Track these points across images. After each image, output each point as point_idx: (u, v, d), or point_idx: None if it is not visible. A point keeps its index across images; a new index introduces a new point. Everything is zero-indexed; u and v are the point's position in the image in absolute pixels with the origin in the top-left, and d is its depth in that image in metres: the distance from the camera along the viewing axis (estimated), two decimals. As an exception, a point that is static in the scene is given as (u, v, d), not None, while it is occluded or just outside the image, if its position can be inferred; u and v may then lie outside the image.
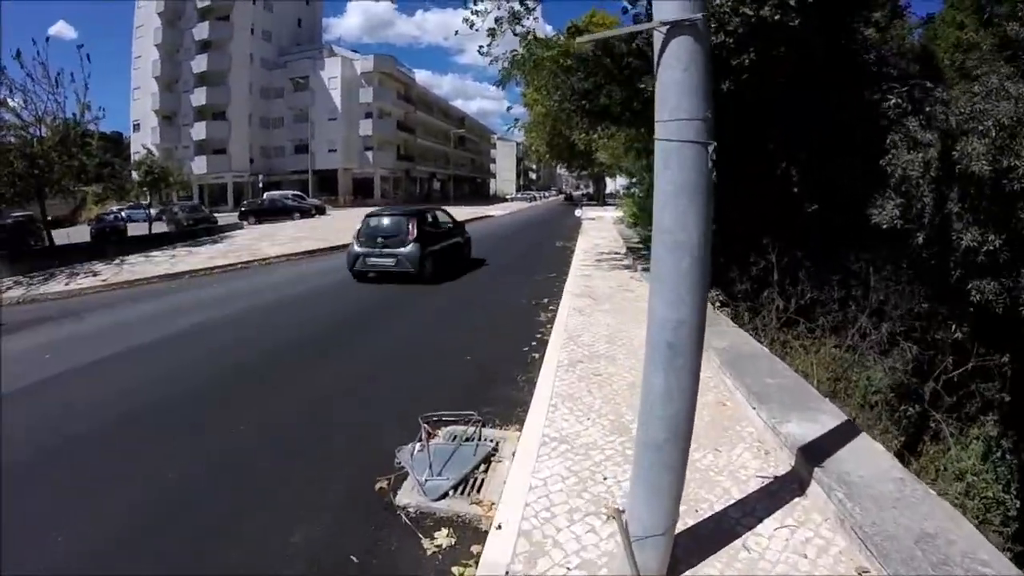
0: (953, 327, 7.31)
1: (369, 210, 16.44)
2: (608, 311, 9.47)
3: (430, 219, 15.12)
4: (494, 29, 13.27)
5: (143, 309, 11.74)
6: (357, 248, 14.26)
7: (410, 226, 13.75)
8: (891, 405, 7.70)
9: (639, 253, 16.44)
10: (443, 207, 18.61)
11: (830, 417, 4.78)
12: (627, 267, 14.53)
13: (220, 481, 4.65)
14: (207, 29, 65.46)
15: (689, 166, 2.49)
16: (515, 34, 12.70)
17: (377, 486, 4.46)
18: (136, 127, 71.56)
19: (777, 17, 7.93)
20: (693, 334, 2.68)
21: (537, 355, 7.55)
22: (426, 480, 4.44)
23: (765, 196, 9.78)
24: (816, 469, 3.82)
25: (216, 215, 39.47)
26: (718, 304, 9.80)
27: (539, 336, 8.54)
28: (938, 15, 17.17)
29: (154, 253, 21.36)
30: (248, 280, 15.41)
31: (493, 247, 21.96)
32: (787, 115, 9.46)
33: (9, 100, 18.57)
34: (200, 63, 65.75)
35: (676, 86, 2.49)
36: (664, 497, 2.83)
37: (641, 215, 23.64)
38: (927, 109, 7.71)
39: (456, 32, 12.16)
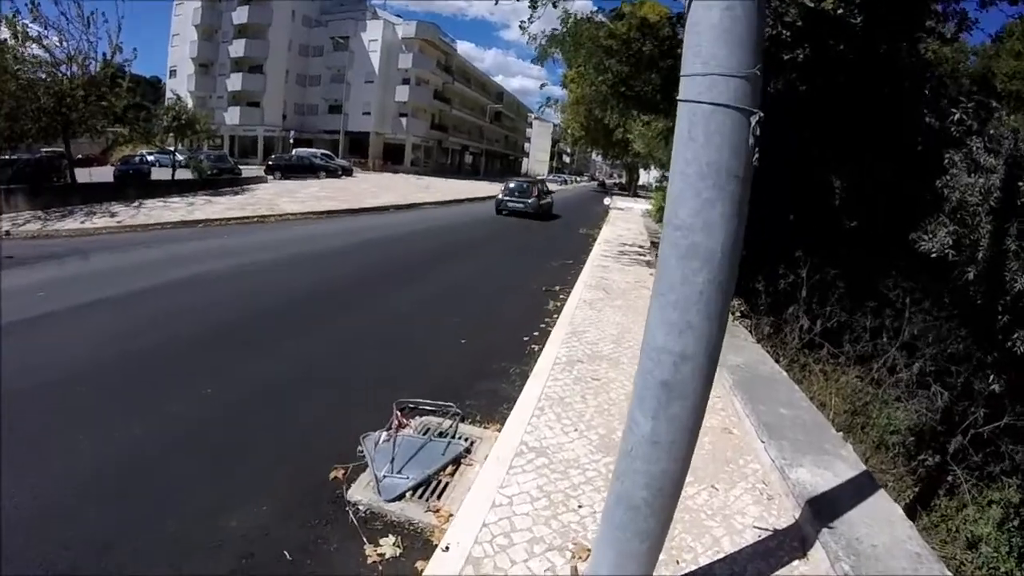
0: (991, 377, 6.64)
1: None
2: (620, 308, 8.92)
3: (540, 187, 27.27)
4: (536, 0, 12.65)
5: (147, 255, 11.42)
6: (502, 196, 25.61)
7: (533, 189, 26.10)
8: (908, 450, 7.12)
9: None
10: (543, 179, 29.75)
11: (847, 466, 4.22)
12: (649, 263, 13.92)
13: (177, 444, 4.27)
14: (252, -19, 64.68)
15: (721, 140, 1.84)
16: (554, 6, 12.05)
17: (332, 475, 4.02)
18: (172, 73, 71.31)
19: (840, 11, 7.24)
20: (697, 374, 2.08)
21: (537, 347, 7.04)
22: (384, 476, 3.98)
23: (801, 205, 9.13)
24: (824, 529, 3.27)
25: (243, 167, 39.23)
26: (738, 315, 9.21)
27: (543, 327, 8.01)
28: (996, 43, 16.26)
29: (174, 199, 21.27)
30: (258, 236, 15.00)
31: (512, 227, 21.42)
32: (836, 121, 8.77)
33: (43, 38, 18.40)
34: (241, 15, 64.98)
35: (712, 28, 1.83)
36: (635, 565, 2.27)
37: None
38: (991, 131, 7.00)
39: (496, 2, 11.49)
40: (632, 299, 9.66)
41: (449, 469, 4.18)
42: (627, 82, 12.25)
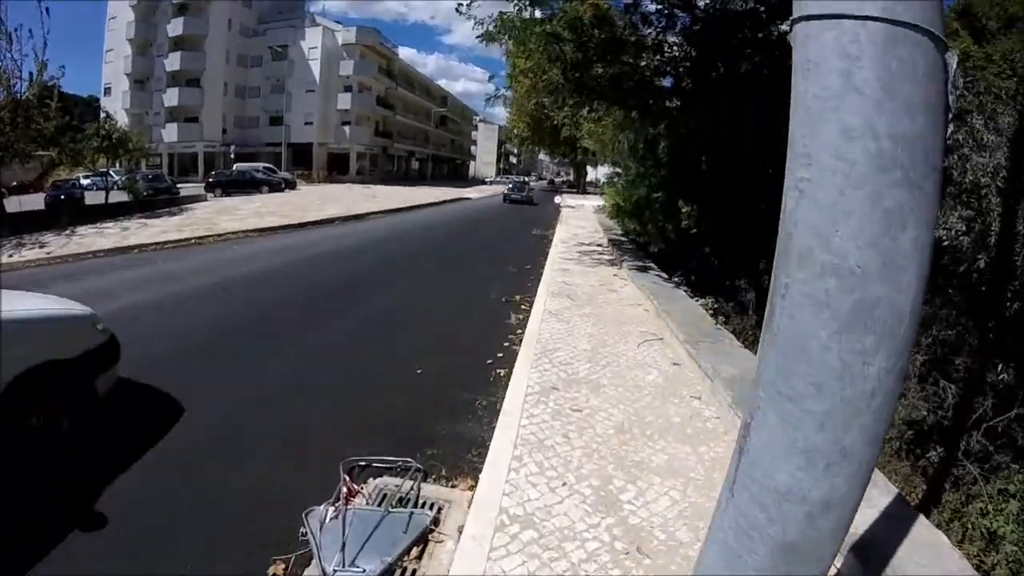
0: (1000, 367, 6.08)
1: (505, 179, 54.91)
2: (589, 316, 8.16)
3: (528, 186, 46.44)
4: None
5: (69, 290, 10.22)
6: (507, 192, 43.04)
7: (527, 185, 47.21)
8: (909, 443, 6.55)
9: (622, 247, 15.18)
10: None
11: (878, 492, 3.53)
12: (611, 262, 13.23)
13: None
14: (184, -9, 62.68)
15: (914, 92, 1.03)
16: None
17: (271, 570, 3.15)
18: (107, 91, 68.58)
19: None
20: (839, 530, 1.24)
21: (503, 371, 6.21)
22: (334, 572, 3.12)
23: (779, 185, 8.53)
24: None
25: (183, 185, 38.34)
26: (711, 312, 8.58)
27: (507, 345, 7.20)
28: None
29: (108, 224, 19.91)
30: (194, 259, 13.72)
31: (463, 234, 20.62)
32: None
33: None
34: (176, 27, 62.69)
35: None
36: None
37: (625, 205, 22.43)
38: (990, 107, 6.43)
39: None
40: (600, 305, 8.91)
41: (415, 551, 3.34)
42: (579, 69, 11.60)
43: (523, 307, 9.13)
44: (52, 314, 4.59)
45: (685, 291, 9.71)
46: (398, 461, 4.29)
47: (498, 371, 6.27)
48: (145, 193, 28.48)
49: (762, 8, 8.47)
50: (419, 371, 6.25)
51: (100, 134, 24.59)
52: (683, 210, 12.86)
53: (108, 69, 68.66)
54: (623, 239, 17.17)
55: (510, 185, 47.17)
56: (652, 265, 11.96)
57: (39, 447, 4.12)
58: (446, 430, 4.91)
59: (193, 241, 16.85)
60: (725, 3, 9.81)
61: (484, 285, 10.87)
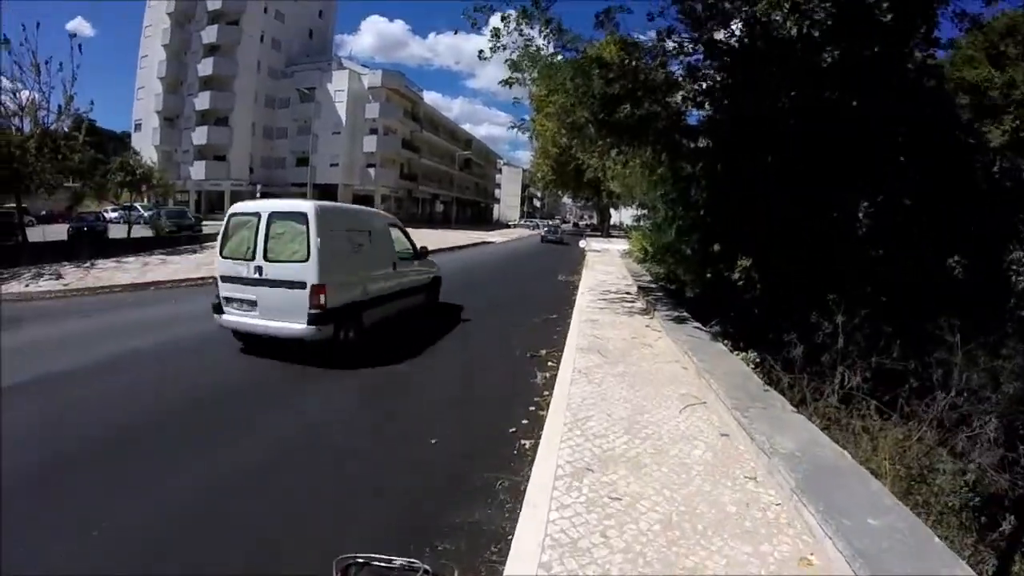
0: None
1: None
2: (623, 376, 7.42)
3: (561, 228, 62.25)
4: (498, 29, 11.59)
5: (80, 326, 9.92)
6: (544, 234, 54.10)
7: (560, 228, 60.93)
8: (974, 510, 5.71)
9: (653, 294, 14.44)
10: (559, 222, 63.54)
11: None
12: (642, 311, 12.50)
13: None
14: (216, 33, 64.48)
15: None
16: (521, 33, 11.08)
17: None
18: (138, 127, 70.85)
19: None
20: None
21: (527, 443, 5.50)
22: None
23: (832, 237, 7.86)
24: None
25: (210, 222, 37.68)
26: (752, 367, 7.81)
27: (532, 410, 6.49)
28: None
29: (129, 259, 19.88)
30: (207, 300, 13.24)
31: (487, 278, 20.04)
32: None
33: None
34: (206, 66, 64.60)
35: None
36: None
37: (653, 250, 21.77)
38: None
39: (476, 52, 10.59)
40: (635, 362, 8.17)
41: None
42: (609, 106, 11.12)
43: (550, 364, 8.43)
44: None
45: (725, 344, 8.95)
46: (401, 561, 3.57)
47: (523, 442, 5.55)
48: (168, 229, 28.57)
49: (816, 34, 7.88)
50: (434, 441, 5.55)
51: (125, 169, 25.20)
52: (716, 251, 12.17)
53: (139, 106, 70.60)
54: (652, 286, 16.45)
55: (546, 229, 61.07)
56: (686, 315, 11.21)
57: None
58: (461, 518, 4.19)
59: (211, 281, 16.30)
60: (767, 29, 9.22)
61: (507, 339, 10.20)
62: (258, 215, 8.23)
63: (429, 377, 7.83)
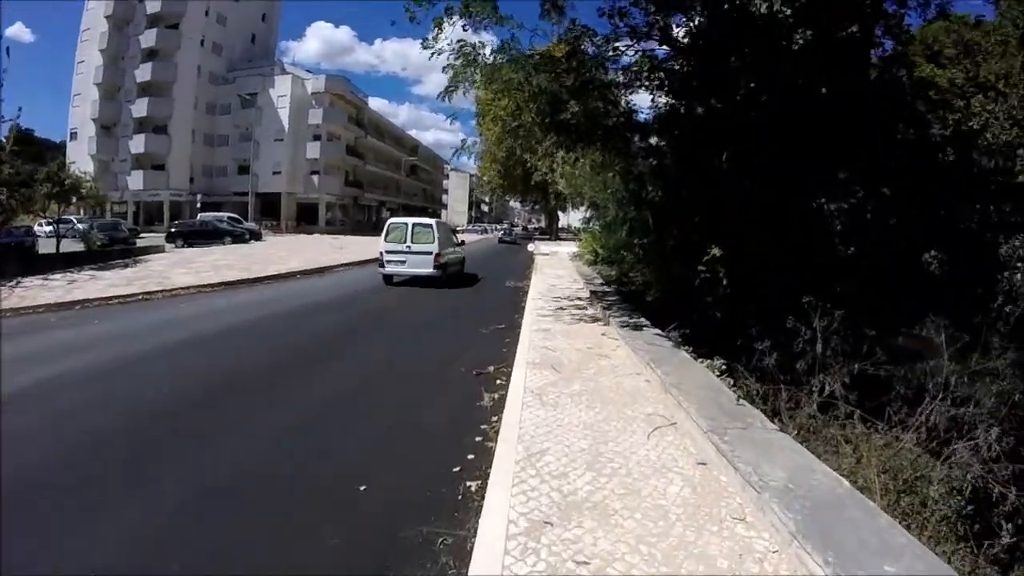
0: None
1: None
2: (580, 395, 6.60)
3: (515, 231, 72.11)
4: (441, 19, 10.67)
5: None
6: (501, 236, 61.46)
7: (514, 231, 70.61)
8: (967, 519, 5.13)
9: (606, 298, 13.74)
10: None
11: None
12: (595, 319, 11.75)
13: None
14: (154, 36, 62.18)
15: None
16: (464, 29, 10.34)
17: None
18: (73, 135, 68.03)
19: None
20: None
21: (474, 484, 4.64)
22: None
23: (811, 228, 7.24)
24: None
25: (148, 234, 38.85)
26: (718, 373, 7.14)
27: (479, 440, 5.61)
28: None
29: (56, 275, 18.55)
30: (135, 318, 12.19)
31: (431, 291, 19.08)
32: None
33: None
34: (144, 72, 62.05)
35: None
36: None
37: (605, 252, 21.19)
38: None
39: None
40: (592, 377, 7.36)
41: None
42: (556, 106, 10.39)
43: (499, 381, 7.58)
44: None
45: (688, 352, 8.25)
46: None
47: (468, 484, 4.67)
48: (100, 243, 27.01)
49: (788, 12, 7.25)
50: (362, 488, 4.63)
51: (51, 179, 23.15)
52: (678, 245, 11.50)
53: (75, 113, 67.84)
54: (606, 289, 15.75)
55: (502, 232, 68.03)
56: (644, 321, 10.51)
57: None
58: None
59: (140, 297, 15.34)
60: (736, 9, 8.56)
61: (451, 353, 9.32)
62: (407, 224, 18.09)
63: (361, 400, 6.93)
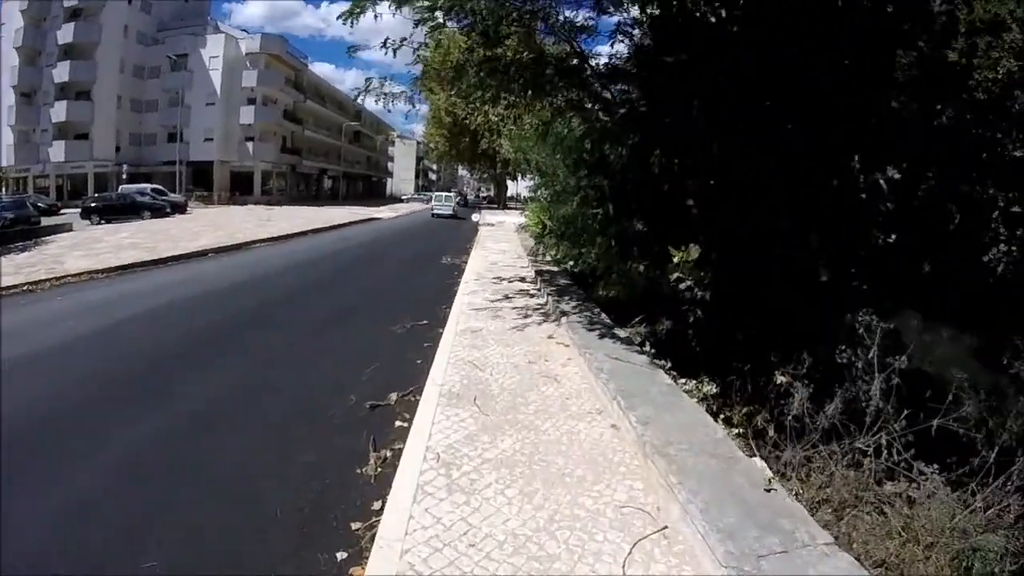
0: None
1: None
2: (514, 464, 4.20)
3: (457, 199, 58.73)
4: None
5: None
6: (433, 206, 50.27)
7: (452, 201, 50.87)
8: None
9: (556, 281, 11.42)
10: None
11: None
12: (541, 312, 9.42)
13: None
14: (78, -7, 56.06)
15: None
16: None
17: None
18: None
19: None
20: None
21: None
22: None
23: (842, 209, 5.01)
24: None
25: (68, 210, 36.64)
26: (735, 434, 4.88)
27: (343, 558, 3.27)
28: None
29: None
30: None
31: (354, 268, 16.54)
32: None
33: None
34: (66, 33, 55.65)
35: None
36: None
37: (553, 225, 18.80)
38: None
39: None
40: (533, 421, 4.94)
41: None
42: (490, 37, 7.96)
43: (397, 424, 5.19)
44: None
45: (666, 372, 5.97)
46: None
47: None
48: None
49: None
50: None
51: None
52: (642, 231, 9.03)
53: None
54: (554, 269, 13.42)
55: (435, 200, 56.72)
56: (604, 318, 8.20)
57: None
58: None
59: (24, 288, 12.91)
60: None
61: (347, 368, 6.87)
62: (441, 195, 53.23)
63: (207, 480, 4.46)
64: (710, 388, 5.74)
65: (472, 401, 5.29)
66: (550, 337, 7.61)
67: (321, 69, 67.49)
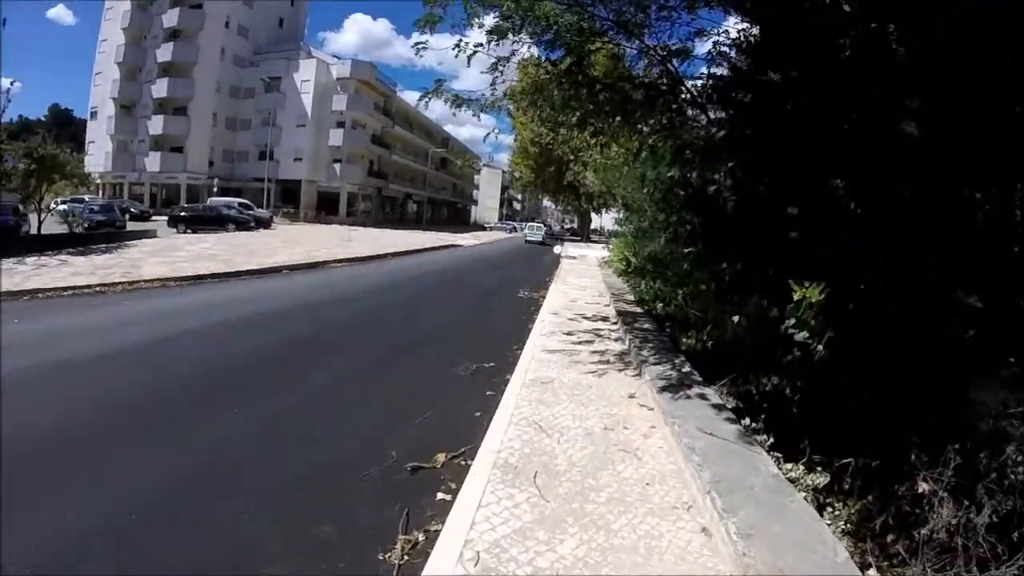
0: None
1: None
2: (574, 569, 3.29)
3: (546, 228, 71.04)
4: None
5: None
6: (526, 233, 59.17)
7: (542, 229, 62.79)
8: None
9: (638, 324, 10.40)
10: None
11: None
12: (623, 360, 8.39)
13: None
14: (177, 16, 60.47)
15: None
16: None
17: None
18: (94, 114, 67.38)
19: None
20: None
21: None
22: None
23: None
24: None
25: (159, 217, 38.57)
26: (802, 491, 3.76)
27: None
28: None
29: (30, 259, 17.31)
30: (65, 317, 10.29)
31: (428, 294, 15.99)
32: None
33: None
34: (166, 52, 60.39)
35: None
36: None
37: (640, 262, 17.69)
38: None
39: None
40: (601, 514, 3.90)
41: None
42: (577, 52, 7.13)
43: (436, 499, 4.31)
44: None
45: (775, 461, 4.86)
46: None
47: None
48: (86, 226, 25.61)
49: None
50: None
51: (30, 156, 21.15)
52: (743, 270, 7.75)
53: (96, 92, 66.88)
54: (637, 311, 12.33)
55: (526, 228, 67.15)
56: (694, 375, 7.09)
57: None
58: None
59: (96, 289, 13.51)
60: None
61: (393, 416, 6.06)
62: (532, 224, 66.73)
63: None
64: (820, 479, 4.62)
65: (532, 479, 4.34)
66: (631, 396, 6.57)
67: (411, 97, 68.44)
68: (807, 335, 4.67)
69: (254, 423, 5.68)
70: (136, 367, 7.37)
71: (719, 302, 7.39)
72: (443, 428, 5.68)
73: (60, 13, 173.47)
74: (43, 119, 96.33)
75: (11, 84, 18.53)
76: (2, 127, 18.68)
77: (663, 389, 6.45)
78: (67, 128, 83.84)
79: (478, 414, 6.07)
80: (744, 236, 6.52)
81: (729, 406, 6.06)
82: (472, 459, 4.83)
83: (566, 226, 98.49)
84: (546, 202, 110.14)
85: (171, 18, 60.70)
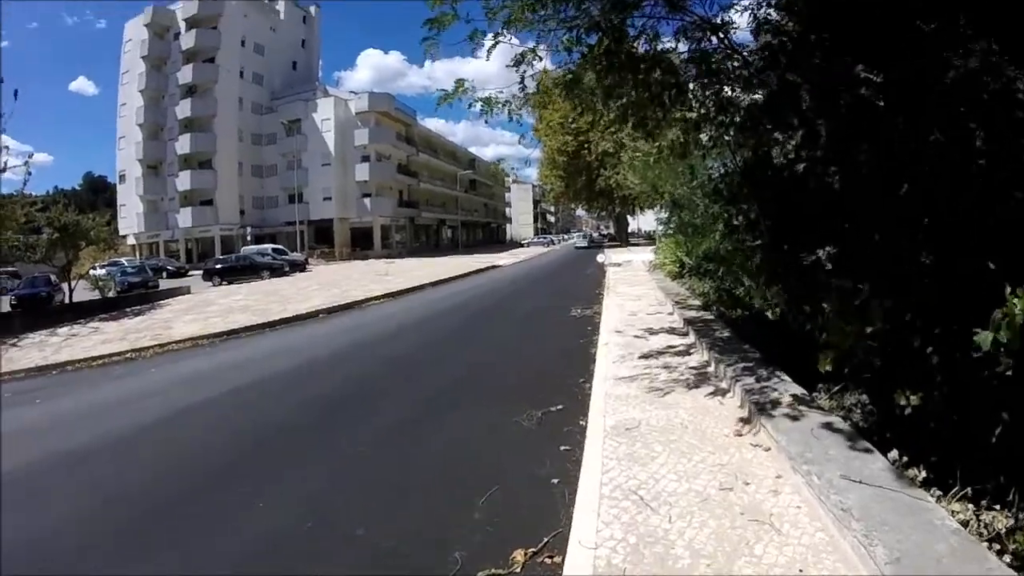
0: None
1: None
2: None
3: (594, 237, 77.70)
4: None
5: None
6: (577, 243, 74.92)
7: (591, 236, 78.65)
8: None
9: (709, 332, 9.14)
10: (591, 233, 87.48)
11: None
12: (708, 381, 7.17)
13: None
14: (191, 72, 61.77)
15: None
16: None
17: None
18: (122, 178, 69.29)
19: None
20: None
21: None
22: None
23: None
24: None
25: (195, 272, 39.78)
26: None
27: None
28: None
29: (62, 329, 17.86)
30: (93, 392, 10.26)
31: (472, 323, 14.95)
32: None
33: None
34: (184, 108, 61.60)
35: None
36: None
37: (695, 262, 16.46)
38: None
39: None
40: None
41: None
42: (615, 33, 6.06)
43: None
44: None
45: (938, 501, 3.63)
46: None
47: None
48: (118, 290, 26.08)
49: None
50: None
51: (52, 224, 21.63)
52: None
53: (122, 156, 68.55)
54: (707, 317, 10.99)
55: (579, 238, 79.41)
56: (801, 395, 5.83)
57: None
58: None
59: (127, 355, 13.69)
60: None
61: (456, 481, 5.01)
62: (581, 234, 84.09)
63: None
64: (1005, 521, 3.41)
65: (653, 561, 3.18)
66: (738, 435, 5.33)
67: (433, 124, 68.75)
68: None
69: (276, 519, 4.64)
70: (150, 445, 6.71)
71: (808, 300, 6.06)
72: (514, 508, 4.53)
73: (82, 85, 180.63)
74: (77, 187, 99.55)
75: (30, 156, 18.52)
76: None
77: (773, 418, 5.21)
78: (102, 194, 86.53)
79: (556, 481, 4.90)
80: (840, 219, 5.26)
81: (846, 426, 4.82)
82: (559, 555, 3.70)
83: (602, 232, 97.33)
84: (579, 212, 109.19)
85: (185, 74, 61.99)
